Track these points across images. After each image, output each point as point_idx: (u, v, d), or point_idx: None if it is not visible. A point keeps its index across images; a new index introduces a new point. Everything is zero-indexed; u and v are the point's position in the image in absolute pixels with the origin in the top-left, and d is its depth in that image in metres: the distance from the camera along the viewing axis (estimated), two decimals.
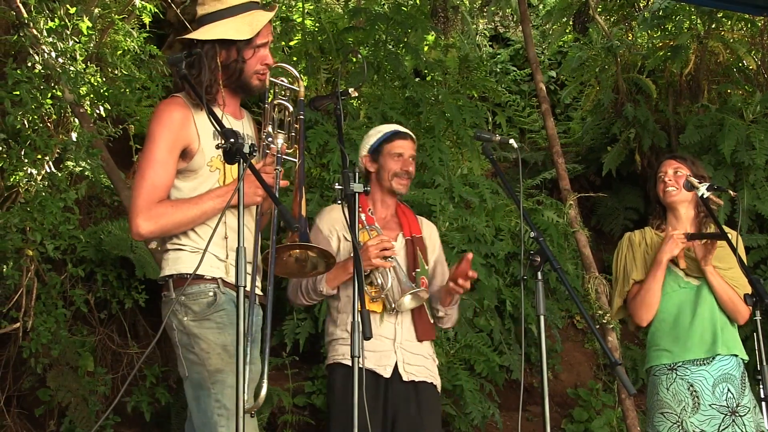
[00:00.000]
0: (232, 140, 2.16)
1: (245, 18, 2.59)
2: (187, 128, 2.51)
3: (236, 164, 2.21)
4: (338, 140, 2.70)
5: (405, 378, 3.05)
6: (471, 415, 4.85)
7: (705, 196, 3.24)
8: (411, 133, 3.31)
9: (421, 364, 3.11)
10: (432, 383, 3.14)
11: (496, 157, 7.20)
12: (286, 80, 2.71)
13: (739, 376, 3.27)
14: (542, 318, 2.61)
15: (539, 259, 2.65)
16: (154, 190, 2.47)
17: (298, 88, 2.67)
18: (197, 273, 2.42)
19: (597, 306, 4.98)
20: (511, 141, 2.80)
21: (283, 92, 2.69)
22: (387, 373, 3.03)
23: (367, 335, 2.34)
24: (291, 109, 2.66)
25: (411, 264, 3.11)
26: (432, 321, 3.20)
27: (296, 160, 2.60)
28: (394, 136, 3.22)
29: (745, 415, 3.20)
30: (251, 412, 2.39)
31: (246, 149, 2.19)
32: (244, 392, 2.15)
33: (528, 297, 5.59)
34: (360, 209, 3.11)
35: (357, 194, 2.55)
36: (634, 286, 3.40)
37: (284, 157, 2.58)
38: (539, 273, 2.63)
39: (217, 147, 2.24)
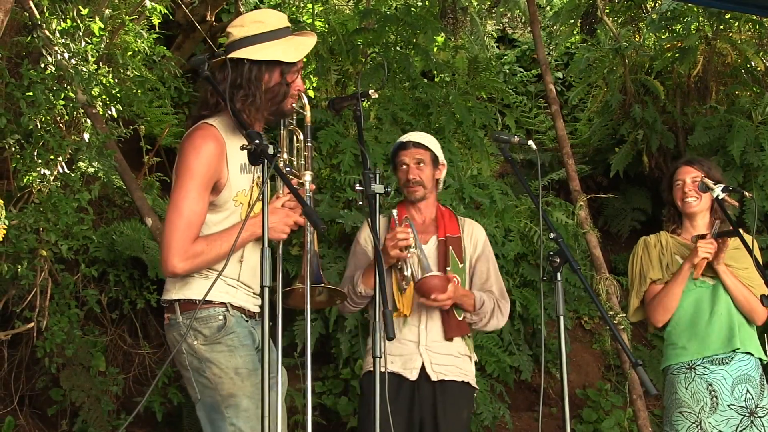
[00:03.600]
0: (257, 141, 2.16)
1: (290, 41, 2.57)
2: (222, 162, 2.48)
3: (256, 190, 2.29)
4: (359, 141, 2.71)
5: (434, 378, 3.09)
6: (482, 416, 4.87)
7: (720, 198, 3.25)
8: (415, 138, 3.32)
9: (450, 363, 3.13)
10: (463, 381, 3.16)
11: (501, 158, 7.27)
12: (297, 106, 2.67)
13: (758, 377, 3.28)
14: (561, 319, 2.62)
15: (559, 260, 2.66)
16: (190, 228, 2.44)
17: (306, 113, 2.64)
18: (206, 299, 2.42)
19: (608, 307, 4.98)
20: (530, 143, 2.81)
21: (292, 119, 2.69)
22: (413, 376, 3.08)
23: (390, 335, 2.35)
24: (301, 135, 2.65)
25: (441, 262, 3.16)
26: (461, 317, 3.19)
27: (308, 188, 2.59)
28: (398, 148, 3.31)
29: (764, 416, 3.21)
30: None
31: (270, 151, 2.20)
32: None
33: (538, 297, 5.62)
34: (396, 218, 3.19)
35: (377, 195, 2.55)
36: (651, 286, 3.40)
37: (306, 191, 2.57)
38: (558, 274, 2.64)
39: (242, 148, 2.24)
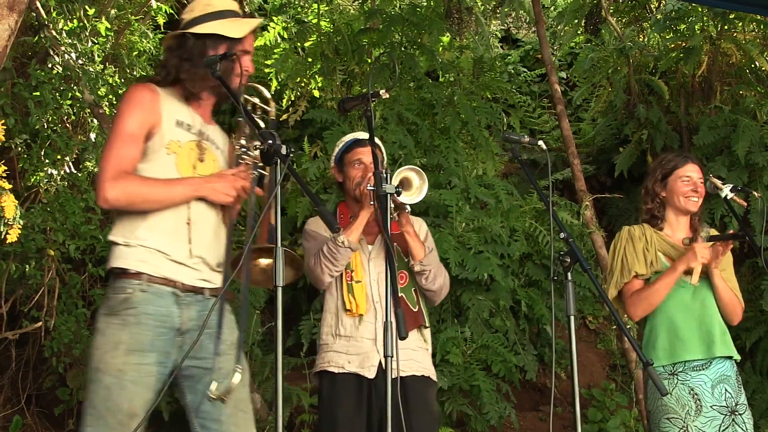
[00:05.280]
0: (270, 141, 2.17)
1: (235, 21, 2.67)
2: (154, 109, 2.54)
3: (201, 150, 2.33)
4: (369, 142, 2.71)
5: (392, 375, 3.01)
6: (488, 416, 4.87)
7: (729, 197, 3.25)
8: (374, 139, 3.26)
9: (408, 357, 3.05)
10: (422, 375, 3.11)
11: (507, 158, 7.28)
12: (258, 100, 2.74)
13: (734, 375, 3.29)
14: (572, 318, 2.63)
15: (569, 260, 2.66)
16: (122, 160, 2.45)
17: (270, 108, 2.72)
18: (123, 267, 2.44)
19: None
20: (540, 143, 2.82)
21: (256, 111, 2.72)
22: (371, 374, 3.03)
23: (402, 335, 2.34)
24: (263, 125, 2.66)
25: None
26: (416, 308, 3.14)
27: (267, 174, 2.60)
28: (354, 144, 3.25)
29: (743, 413, 3.23)
30: (222, 398, 2.35)
31: (284, 150, 2.20)
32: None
33: (543, 297, 5.63)
34: (341, 216, 3.18)
35: (389, 195, 2.55)
36: (633, 280, 3.33)
37: (259, 170, 2.59)
38: (569, 273, 2.64)
39: (255, 148, 2.25)
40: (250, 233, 2.44)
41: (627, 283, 3.32)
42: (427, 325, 3.22)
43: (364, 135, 3.28)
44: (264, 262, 2.53)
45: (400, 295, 3.00)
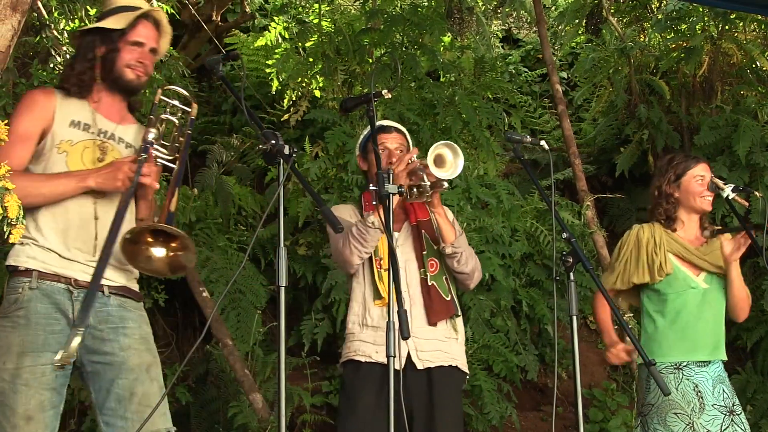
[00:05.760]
0: (273, 141, 2.17)
1: (124, 15, 2.70)
2: (46, 111, 2.58)
3: (103, 150, 2.43)
4: (372, 142, 2.71)
5: (419, 366, 2.98)
6: (489, 415, 4.87)
7: (730, 197, 3.26)
8: (398, 125, 3.28)
9: (436, 348, 3.03)
10: (451, 365, 3.05)
11: (508, 158, 7.29)
12: (178, 101, 2.77)
13: (726, 377, 3.34)
14: (575, 318, 2.63)
15: (572, 260, 2.66)
16: (11, 160, 2.40)
17: (190, 109, 2.76)
18: (14, 265, 2.47)
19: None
20: (543, 143, 2.82)
21: (177, 113, 2.76)
22: (399, 365, 2.92)
23: (405, 335, 2.35)
24: (177, 123, 2.73)
25: (418, 247, 3.08)
26: (449, 297, 3.09)
27: (175, 166, 2.65)
28: (378, 131, 3.15)
29: (740, 413, 3.27)
30: (59, 364, 2.38)
31: (287, 151, 2.21)
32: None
33: (544, 297, 5.64)
34: (366, 203, 3.13)
35: (391, 195, 2.56)
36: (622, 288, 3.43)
37: (162, 161, 2.63)
38: (572, 273, 2.65)
39: (259, 148, 2.25)
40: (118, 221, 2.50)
41: (615, 288, 3.43)
42: (459, 313, 3.16)
43: (388, 122, 3.29)
44: (159, 253, 2.48)
45: (431, 283, 3.03)
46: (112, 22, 2.67)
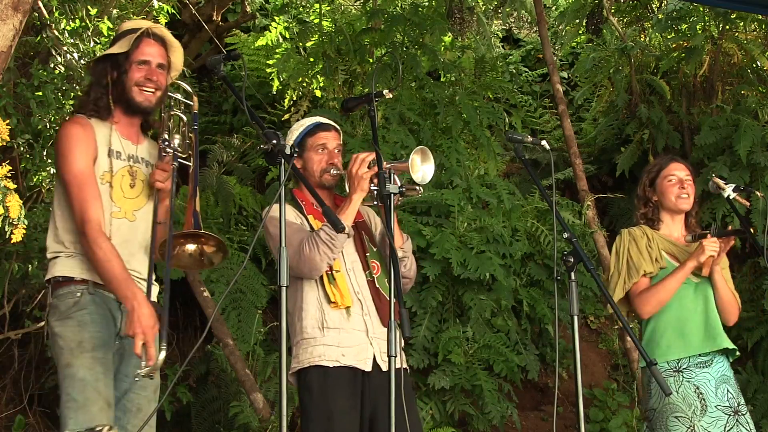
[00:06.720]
0: (274, 141, 2.18)
1: (129, 37, 2.79)
2: (90, 142, 2.68)
3: (133, 175, 2.57)
4: (373, 142, 2.71)
5: (384, 368, 2.90)
6: (490, 415, 4.87)
7: (731, 197, 3.26)
8: (335, 124, 3.21)
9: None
10: (404, 368, 2.98)
11: (508, 158, 7.29)
12: (181, 95, 2.84)
13: (732, 377, 3.33)
14: (575, 318, 2.63)
15: (573, 260, 2.67)
16: (96, 202, 2.60)
17: (192, 103, 2.83)
18: (68, 276, 2.60)
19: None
20: (543, 143, 2.82)
21: (179, 106, 2.84)
22: (368, 367, 2.93)
23: (406, 334, 2.35)
24: (185, 119, 2.80)
25: (360, 249, 3.05)
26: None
27: (191, 164, 2.74)
28: (317, 128, 3.12)
29: (745, 414, 3.26)
30: (149, 375, 2.47)
31: (288, 150, 2.21)
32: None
33: (545, 297, 5.64)
34: (303, 203, 3.06)
35: (392, 195, 2.55)
36: (642, 279, 3.35)
37: (180, 160, 2.72)
38: (572, 273, 2.65)
39: (260, 148, 2.26)
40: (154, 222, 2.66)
41: (635, 283, 3.36)
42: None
43: (325, 119, 3.21)
44: (191, 247, 2.65)
45: (377, 286, 3.00)
46: (118, 47, 2.77)
